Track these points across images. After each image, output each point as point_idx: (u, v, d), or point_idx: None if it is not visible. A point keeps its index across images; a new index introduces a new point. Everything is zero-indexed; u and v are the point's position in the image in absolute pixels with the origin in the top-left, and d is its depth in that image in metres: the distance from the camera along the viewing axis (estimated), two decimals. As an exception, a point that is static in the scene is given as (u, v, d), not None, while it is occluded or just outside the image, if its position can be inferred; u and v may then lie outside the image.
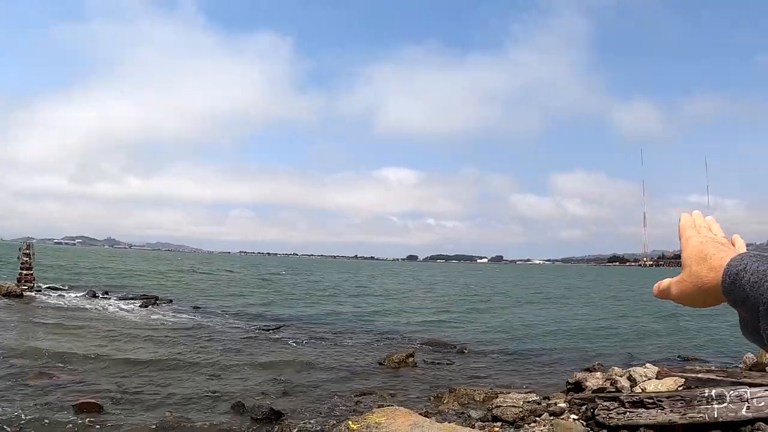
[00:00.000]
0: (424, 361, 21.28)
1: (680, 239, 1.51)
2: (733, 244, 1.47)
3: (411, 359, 20.47)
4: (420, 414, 11.95)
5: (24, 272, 39.98)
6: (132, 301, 39.59)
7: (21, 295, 36.61)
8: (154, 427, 12.75)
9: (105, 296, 42.62)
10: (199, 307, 37.74)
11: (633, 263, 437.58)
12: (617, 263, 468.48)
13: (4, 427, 12.37)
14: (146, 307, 36.02)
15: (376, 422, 10.35)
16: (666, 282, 1.48)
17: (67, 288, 46.00)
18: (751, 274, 1.19)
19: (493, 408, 13.28)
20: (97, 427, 12.59)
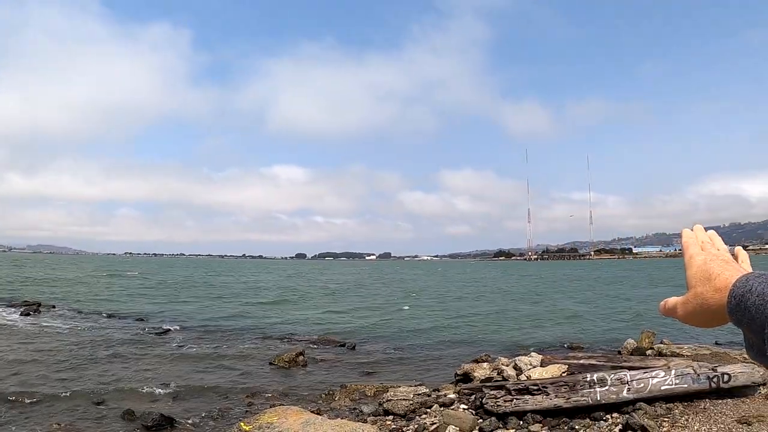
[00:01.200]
0: (315, 359, 21.27)
1: (684, 256, 1.49)
2: (736, 258, 1.47)
3: (301, 357, 20.41)
4: (312, 412, 11.94)
5: None
6: (12, 308, 37.79)
7: None
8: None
9: (-18, 304, 40.52)
10: (83, 312, 36.41)
11: (519, 257, 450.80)
12: (503, 258, 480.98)
13: None
14: (28, 314, 34.42)
15: (268, 422, 10.27)
16: (672, 301, 1.46)
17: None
18: (757, 296, 1.19)
19: (384, 402, 13.39)
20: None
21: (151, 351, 22.65)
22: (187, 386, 16.91)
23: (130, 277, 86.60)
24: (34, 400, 15.13)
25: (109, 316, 34.90)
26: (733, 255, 1.47)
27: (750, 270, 1.35)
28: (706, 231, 1.57)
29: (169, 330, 28.57)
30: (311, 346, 24.42)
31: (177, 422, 13.24)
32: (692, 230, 1.57)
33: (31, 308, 36.50)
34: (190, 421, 13.49)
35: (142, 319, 33.25)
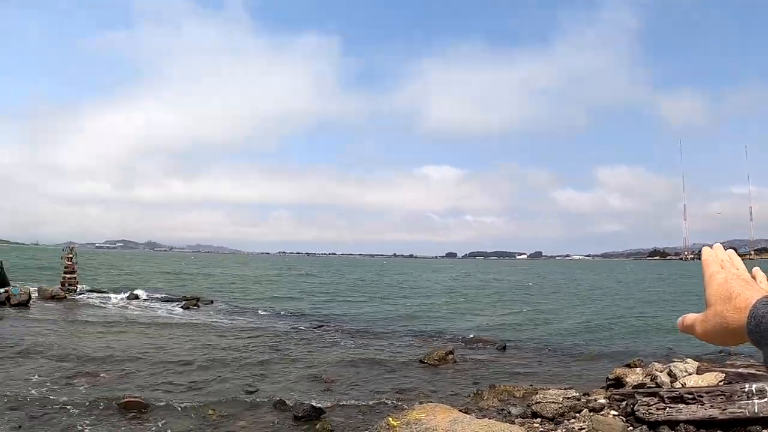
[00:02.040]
0: (465, 357, 21.36)
1: (704, 275, 1.48)
2: (755, 278, 1.44)
3: (451, 356, 20.58)
4: (460, 410, 12.06)
5: (67, 276, 41.12)
6: (173, 302, 40.25)
7: (64, 298, 37.68)
8: (197, 424, 13.05)
9: (146, 298, 43.32)
10: (240, 308, 38.22)
11: (674, 257, 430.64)
12: (658, 257, 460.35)
13: (51, 424, 12.78)
14: (188, 308, 36.61)
15: (416, 419, 10.46)
16: (690, 318, 1.46)
17: (109, 290, 46.85)
18: None
19: (532, 404, 13.32)
20: (142, 424, 12.97)
21: (303, 345, 23.55)
22: (337, 379, 17.50)
23: (297, 275, 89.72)
24: (191, 387, 16.19)
25: (264, 311, 36.52)
26: (751, 275, 1.46)
27: None
28: (726, 250, 1.58)
29: (322, 325, 29.54)
30: (462, 345, 24.52)
31: (326, 414, 13.75)
32: (712, 248, 1.57)
33: (191, 303, 38.79)
34: (339, 414, 13.99)
35: (295, 315, 34.58)
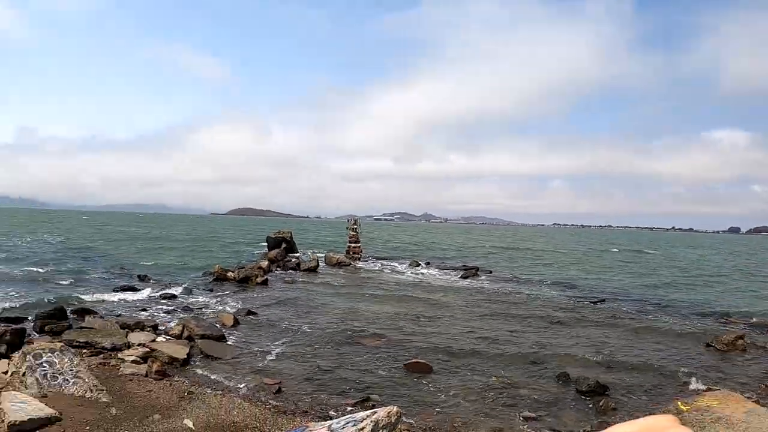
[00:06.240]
0: (756, 344, 20.03)
1: None
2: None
3: (741, 341, 19.44)
4: (753, 401, 11.53)
5: (352, 245, 44.80)
6: (452, 271, 41.85)
7: (349, 265, 40.87)
8: (480, 388, 13.76)
9: (427, 266, 45.41)
10: (519, 278, 38.86)
11: None
12: None
13: (338, 378, 14.10)
14: (467, 277, 37.87)
15: (707, 405, 10.21)
16: None
17: (391, 258, 49.86)
18: None
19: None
20: (427, 385, 13.95)
21: (586, 319, 23.55)
22: (620, 356, 17.43)
23: (544, 249, 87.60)
24: (474, 353, 17.01)
25: (543, 283, 36.84)
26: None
27: None
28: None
29: (605, 299, 29.20)
30: (751, 329, 22.98)
31: (610, 390, 13.77)
32: None
33: (470, 272, 40.07)
34: (622, 392, 13.93)
35: (576, 288, 34.52)
